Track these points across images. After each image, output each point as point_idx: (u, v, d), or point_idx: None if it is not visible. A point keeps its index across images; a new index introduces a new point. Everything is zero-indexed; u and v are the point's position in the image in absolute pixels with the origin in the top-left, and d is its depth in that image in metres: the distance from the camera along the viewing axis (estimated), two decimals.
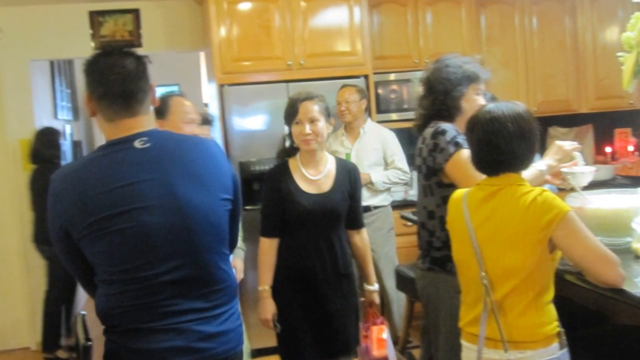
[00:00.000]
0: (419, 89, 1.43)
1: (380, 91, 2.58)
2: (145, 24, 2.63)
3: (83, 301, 2.92)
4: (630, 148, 2.87)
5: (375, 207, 2.20)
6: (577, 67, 2.81)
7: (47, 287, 2.49)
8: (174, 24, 2.65)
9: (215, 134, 2.09)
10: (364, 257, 1.53)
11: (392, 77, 2.60)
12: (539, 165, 1.23)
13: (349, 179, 1.46)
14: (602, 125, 2.94)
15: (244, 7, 2.35)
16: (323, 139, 1.43)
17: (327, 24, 2.39)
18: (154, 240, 0.88)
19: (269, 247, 1.43)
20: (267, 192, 1.45)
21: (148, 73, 0.95)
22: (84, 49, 2.51)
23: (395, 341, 1.90)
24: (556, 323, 1.04)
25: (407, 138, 2.40)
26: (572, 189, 1.30)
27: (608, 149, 2.92)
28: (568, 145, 1.28)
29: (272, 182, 1.45)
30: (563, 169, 1.29)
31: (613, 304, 1.05)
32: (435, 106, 1.32)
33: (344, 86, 2.22)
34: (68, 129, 3.43)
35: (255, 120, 2.34)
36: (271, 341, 1.52)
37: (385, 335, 1.48)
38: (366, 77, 2.40)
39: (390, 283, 2.15)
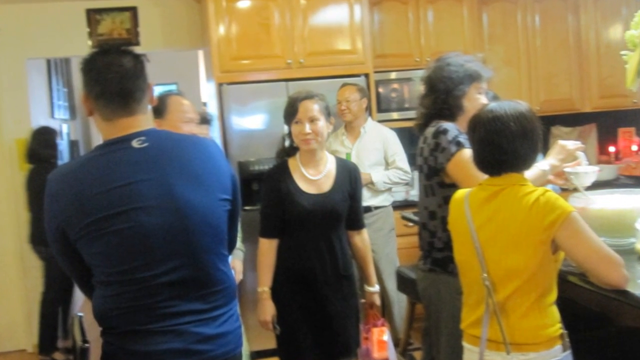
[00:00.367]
0: (420, 88, 1.41)
1: (381, 90, 2.57)
2: (143, 22, 2.62)
3: (80, 303, 2.90)
4: (634, 148, 2.87)
5: (376, 208, 2.19)
6: (580, 66, 2.80)
7: (44, 288, 2.48)
8: (172, 22, 2.64)
9: (214, 133, 2.08)
10: (365, 258, 1.52)
11: (393, 75, 2.59)
12: (541, 165, 1.22)
13: (349, 179, 1.46)
14: (606, 125, 2.93)
15: (243, 4, 2.34)
16: (323, 138, 1.42)
17: (327, 22, 2.38)
18: (152, 241, 0.88)
19: (268, 248, 1.43)
20: (267, 192, 1.45)
21: (146, 72, 0.94)
22: (81, 47, 2.50)
23: (396, 343, 1.91)
24: (559, 325, 1.03)
25: (408, 137, 2.39)
26: (575, 189, 1.29)
27: (611, 149, 2.91)
28: (571, 144, 1.27)
29: (271, 182, 1.44)
30: (566, 169, 1.28)
31: (617, 306, 1.04)
32: (436, 105, 1.31)
33: (344, 85, 2.22)
34: (65, 128, 3.42)
35: (254, 120, 2.33)
36: (271, 343, 1.52)
37: (386, 337, 1.48)
38: (367, 75, 2.39)
39: (391, 284, 2.14)
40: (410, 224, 2.21)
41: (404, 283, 1.93)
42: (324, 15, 2.38)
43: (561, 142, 1.28)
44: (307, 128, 1.38)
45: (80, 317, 1.05)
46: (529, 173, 1.10)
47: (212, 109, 2.48)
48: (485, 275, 1.03)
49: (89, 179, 0.88)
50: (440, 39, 2.61)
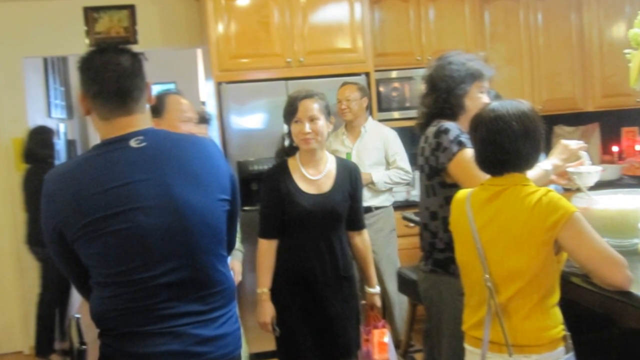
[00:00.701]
0: (421, 87, 1.40)
1: (381, 89, 2.56)
2: (141, 20, 2.60)
3: (77, 304, 2.89)
4: (638, 147, 2.85)
5: (377, 208, 2.19)
6: (583, 65, 2.79)
7: (41, 289, 2.46)
8: (170, 20, 2.63)
9: (212, 133, 2.07)
10: (365, 259, 1.51)
11: (393, 74, 2.58)
12: (544, 164, 1.22)
13: (349, 179, 1.45)
14: (609, 124, 2.91)
15: (242, 2, 2.33)
16: (323, 138, 1.41)
17: (327, 20, 2.37)
18: (150, 241, 0.87)
19: (267, 249, 1.42)
20: (266, 192, 1.44)
21: (144, 70, 0.93)
22: (78, 45, 2.48)
23: (397, 345, 1.90)
24: (562, 326, 1.03)
25: (409, 137, 2.37)
26: (578, 189, 1.28)
27: (615, 149, 2.89)
28: (574, 144, 1.26)
29: (271, 182, 1.43)
30: (569, 169, 1.27)
31: (620, 307, 1.04)
32: (438, 104, 1.31)
33: (344, 84, 2.21)
34: (62, 127, 3.41)
35: (253, 119, 2.32)
36: (270, 345, 1.51)
37: (387, 339, 1.47)
38: (367, 74, 2.38)
39: (392, 285, 2.13)
40: (411, 224, 2.20)
41: (405, 284, 1.92)
42: (324, 13, 2.37)
43: (564, 141, 1.27)
44: (307, 127, 1.37)
45: (78, 318, 1.05)
46: (532, 173, 1.09)
47: (211, 108, 2.47)
48: (487, 276, 1.03)
49: (86, 179, 0.87)
50: (441, 37, 2.59)
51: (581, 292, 1.10)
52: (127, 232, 0.86)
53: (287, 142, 1.46)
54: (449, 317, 1.25)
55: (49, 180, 0.89)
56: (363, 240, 1.51)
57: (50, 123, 2.91)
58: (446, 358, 1.28)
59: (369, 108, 2.26)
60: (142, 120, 0.92)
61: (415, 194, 2.49)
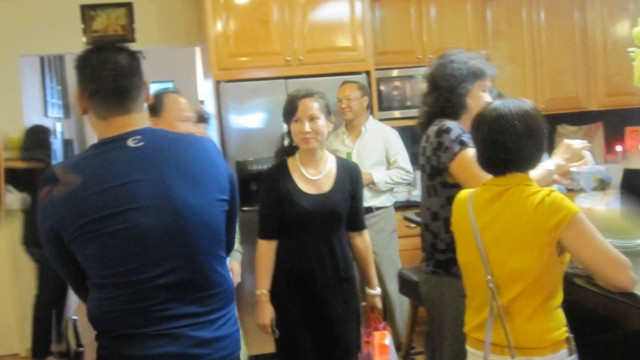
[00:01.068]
0: (423, 86, 1.40)
1: (382, 88, 2.55)
2: (138, 18, 2.59)
3: (74, 306, 2.86)
4: None
5: (378, 208, 2.17)
6: (586, 63, 2.77)
7: (37, 291, 2.45)
8: (168, 18, 2.62)
9: (211, 132, 2.05)
10: (366, 260, 1.51)
11: (394, 73, 2.57)
12: (547, 164, 1.21)
13: (350, 179, 1.44)
14: (613, 123, 2.90)
15: (241, 0, 2.31)
16: (323, 137, 1.41)
17: (327, 18, 2.36)
18: (148, 242, 0.86)
19: (267, 250, 1.41)
20: (265, 192, 1.43)
21: (142, 69, 0.93)
22: (75, 44, 2.47)
23: (398, 347, 1.91)
24: (565, 328, 1.02)
25: (410, 136, 2.36)
26: (582, 189, 1.27)
27: (619, 148, 2.88)
28: (577, 144, 1.26)
29: (270, 182, 1.42)
30: (572, 169, 1.26)
31: (624, 309, 1.03)
32: (439, 103, 1.30)
33: (344, 83, 2.20)
34: (59, 127, 3.43)
35: (252, 118, 2.31)
36: (269, 347, 1.51)
37: (388, 341, 1.46)
38: (368, 73, 2.37)
39: (393, 287, 2.12)
40: (413, 224, 2.20)
41: (406, 285, 1.91)
42: (324, 11, 2.36)
43: (567, 141, 1.27)
44: (307, 127, 1.37)
45: (75, 320, 1.05)
46: (534, 173, 1.09)
47: (210, 107, 2.47)
48: (489, 277, 1.02)
49: (83, 179, 0.86)
50: (443, 35, 2.58)
51: (584, 294, 1.10)
52: (124, 232, 0.85)
53: (286, 142, 1.45)
54: (450, 319, 1.25)
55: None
56: (364, 241, 1.50)
57: (46, 122, 2.91)
58: None
59: (369, 107, 2.25)
60: (139, 119, 0.91)
61: (416, 194, 2.49)
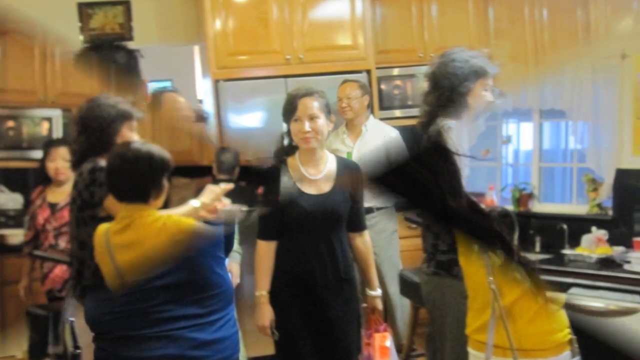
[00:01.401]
0: (424, 85, 1.39)
1: (383, 87, 2.53)
2: (136, 16, 2.56)
3: (71, 307, 2.84)
4: None
5: (378, 209, 2.15)
6: None
7: None
8: (166, 16, 2.60)
9: (210, 131, 2.01)
10: (366, 261, 1.49)
11: (395, 72, 2.56)
12: None
13: (350, 179, 1.41)
14: None
15: None
16: (323, 137, 1.39)
17: (327, 16, 2.35)
18: None
19: (266, 251, 1.39)
20: (265, 192, 1.39)
21: (139, 68, 0.89)
22: (72, 42, 2.43)
23: (398, 349, 1.90)
24: (568, 330, 1.01)
25: (411, 136, 2.34)
26: None
27: None
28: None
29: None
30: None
31: None
32: (440, 102, 1.29)
33: (345, 82, 2.18)
34: None
35: (252, 118, 2.30)
36: (269, 349, 1.48)
37: (389, 342, 1.44)
38: (368, 72, 2.37)
39: (394, 288, 2.10)
40: (414, 225, 2.19)
41: (407, 287, 1.90)
42: (324, 9, 2.35)
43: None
44: (307, 126, 1.35)
45: (72, 322, 1.02)
46: None
47: (208, 106, 2.44)
48: (491, 278, 1.00)
49: None
50: (444, 33, 2.56)
51: None
52: None
53: (286, 141, 1.43)
54: (452, 321, 1.23)
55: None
56: (364, 241, 1.48)
57: None
58: None
59: (370, 106, 2.23)
60: None
61: None
